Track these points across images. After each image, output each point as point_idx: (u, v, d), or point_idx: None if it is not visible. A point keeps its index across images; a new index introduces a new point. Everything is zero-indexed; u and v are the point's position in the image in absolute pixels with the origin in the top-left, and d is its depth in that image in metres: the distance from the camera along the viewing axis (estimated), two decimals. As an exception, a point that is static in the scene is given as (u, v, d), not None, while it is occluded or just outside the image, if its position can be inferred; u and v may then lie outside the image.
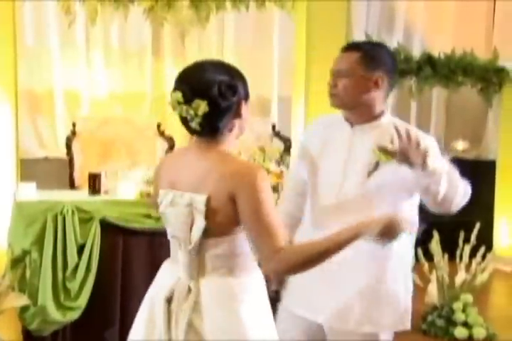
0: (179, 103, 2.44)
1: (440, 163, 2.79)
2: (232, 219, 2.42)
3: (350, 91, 2.91)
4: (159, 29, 7.64)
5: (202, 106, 2.42)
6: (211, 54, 8.00)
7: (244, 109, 2.57)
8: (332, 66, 2.99)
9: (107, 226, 4.88)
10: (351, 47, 3.00)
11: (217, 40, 8.06)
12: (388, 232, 2.43)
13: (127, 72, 7.93)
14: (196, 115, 2.43)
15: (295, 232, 3.09)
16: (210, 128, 2.48)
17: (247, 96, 2.59)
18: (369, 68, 2.90)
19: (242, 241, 2.47)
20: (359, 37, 7.80)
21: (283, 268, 2.39)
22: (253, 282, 2.55)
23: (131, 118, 7.42)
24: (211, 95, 2.44)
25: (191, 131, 2.52)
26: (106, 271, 4.88)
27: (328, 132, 3.08)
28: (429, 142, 2.86)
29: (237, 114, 2.53)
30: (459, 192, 2.87)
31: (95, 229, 4.82)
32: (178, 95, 2.44)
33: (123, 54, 7.94)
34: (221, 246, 2.46)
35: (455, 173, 2.88)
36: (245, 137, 7.94)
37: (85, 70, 7.84)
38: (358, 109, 2.96)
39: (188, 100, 2.43)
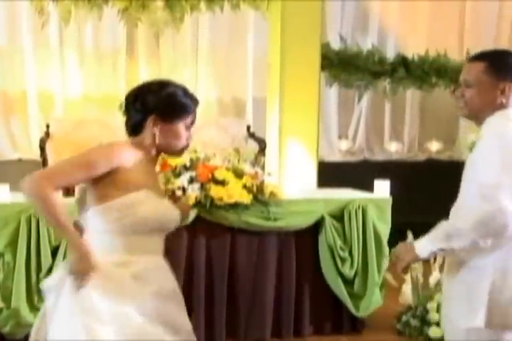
0: None
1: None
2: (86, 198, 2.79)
3: (477, 101, 2.92)
4: (133, 30, 7.60)
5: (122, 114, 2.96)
6: (185, 55, 7.98)
7: (157, 127, 2.82)
8: (460, 76, 3.00)
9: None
10: (477, 57, 3.00)
11: (192, 41, 8.04)
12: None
13: (101, 73, 7.89)
14: None
15: None
16: (127, 130, 2.91)
17: (166, 118, 2.83)
18: (495, 77, 2.90)
19: (93, 219, 2.76)
20: (333, 38, 7.83)
21: (25, 187, 2.64)
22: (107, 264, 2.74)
23: (106, 120, 7.38)
24: (125, 105, 2.89)
25: None
26: (80, 273, 4.85)
27: None
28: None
29: (144, 126, 2.83)
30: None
31: (69, 231, 4.79)
32: None
33: (97, 55, 7.90)
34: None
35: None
36: (220, 138, 7.89)
37: (59, 71, 7.79)
38: (483, 119, 2.95)
39: None
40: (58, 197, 2.67)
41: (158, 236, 2.87)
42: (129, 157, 2.76)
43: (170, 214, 2.87)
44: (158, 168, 3.16)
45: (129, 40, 7.90)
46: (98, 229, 2.76)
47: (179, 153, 2.93)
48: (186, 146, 2.90)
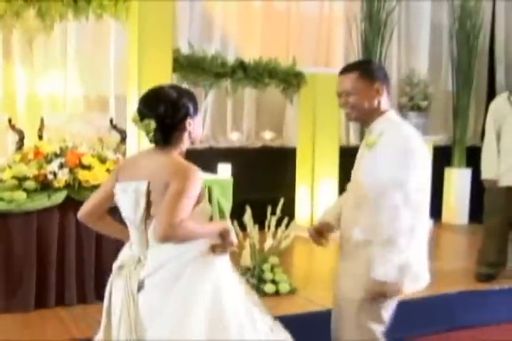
0: (136, 121, 2.60)
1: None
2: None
3: (360, 104, 2.94)
4: (9, 36, 7.31)
5: (151, 124, 2.56)
6: (56, 59, 7.75)
7: (192, 123, 2.67)
8: (337, 88, 3.00)
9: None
10: (348, 69, 3.01)
11: (61, 47, 7.80)
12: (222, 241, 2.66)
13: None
14: (148, 131, 2.57)
15: None
16: (160, 140, 2.62)
17: (194, 113, 2.68)
18: (368, 81, 2.94)
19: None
20: (183, 44, 7.80)
21: (174, 236, 2.42)
22: (191, 252, 2.59)
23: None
24: (157, 114, 2.57)
25: (150, 141, 2.65)
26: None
27: None
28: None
29: (184, 128, 2.65)
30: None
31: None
32: (135, 115, 2.61)
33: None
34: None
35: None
36: (87, 130, 7.67)
37: None
38: (369, 117, 2.98)
39: (141, 119, 2.59)
40: (186, 224, 2.44)
41: None
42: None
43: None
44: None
45: (5, 44, 7.57)
46: None
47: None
48: None
